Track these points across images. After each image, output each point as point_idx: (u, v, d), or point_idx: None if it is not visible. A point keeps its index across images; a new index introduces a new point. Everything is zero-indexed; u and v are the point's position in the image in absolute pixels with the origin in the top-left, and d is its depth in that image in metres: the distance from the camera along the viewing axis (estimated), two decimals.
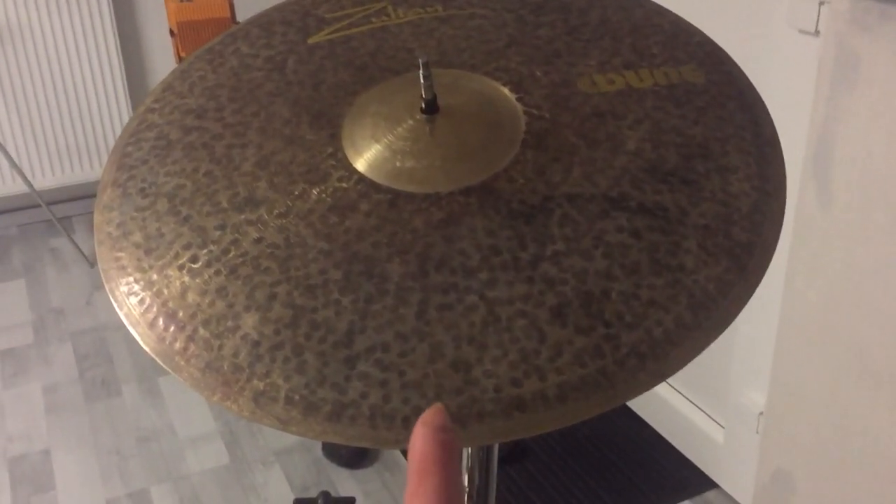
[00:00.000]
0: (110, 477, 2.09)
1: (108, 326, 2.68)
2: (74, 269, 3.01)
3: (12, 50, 2.97)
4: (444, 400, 0.47)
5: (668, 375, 0.48)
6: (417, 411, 0.47)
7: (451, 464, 0.40)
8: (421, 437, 0.41)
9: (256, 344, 0.50)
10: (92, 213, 3.35)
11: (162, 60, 3.31)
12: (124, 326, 2.64)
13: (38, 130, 3.10)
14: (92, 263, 3.02)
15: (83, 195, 3.35)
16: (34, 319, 2.73)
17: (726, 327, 0.50)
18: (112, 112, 3.17)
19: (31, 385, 2.43)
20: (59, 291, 2.88)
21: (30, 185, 2.88)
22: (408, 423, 0.47)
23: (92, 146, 3.18)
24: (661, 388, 2.14)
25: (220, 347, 0.50)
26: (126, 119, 3.22)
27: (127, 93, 3.17)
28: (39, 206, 3.14)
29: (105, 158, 3.21)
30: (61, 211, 3.28)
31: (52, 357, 2.54)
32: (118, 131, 3.21)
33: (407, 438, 0.47)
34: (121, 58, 3.13)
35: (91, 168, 3.19)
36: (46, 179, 3.14)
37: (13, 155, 3.05)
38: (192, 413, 2.30)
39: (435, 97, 0.58)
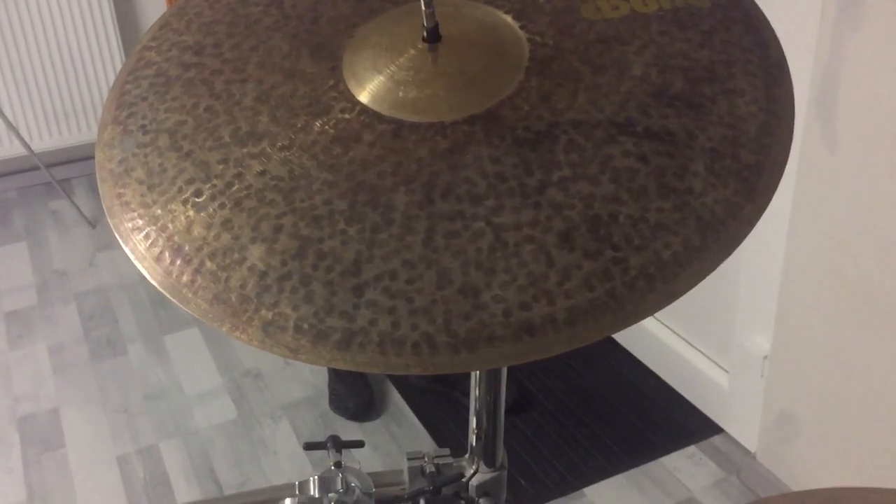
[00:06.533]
0: (119, 434, 2.11)
1: (112, 287, 2.68)
2: (75, 230, 3.01)
3: (4, 11, 2.94)
4: (453, 325, 0.47)
5: (678, 296, 0.48)
6: (426, 337, 0.47)
7: None
8: None
9: (263, 275, 0.50)
10: (91, 174, 3.34)
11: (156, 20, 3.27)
12: (128, 286, 2.65)
13: (33, 92, 3.07)
14: (93, 225, 3.01)
15: (81, 157, 3.33)
16: (37, 281, 2.73)
17: (735, 248, 0.50)
18: (108, 73, 3.14)
19: (37, 346, 2.44)
20: (61, 253, 2.88)
21: (28, 147, 2.86)
22: (417, 349, 0.47)
23: (88, 107, 3.16)
24: (665, 335, 2.15)
25: (228, 279, 0.50)
26: None
27: (122, 53, 3.13)
28: (38, 168, 3.12)
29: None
30: (60, 173, 3.26)
31: (57, 318, 2.55)
32: None
33: (416, 363, 0.47)
34: (114, 17, 3.10)
35: (88, 129, 3.17)
36: (44, 141, 3.12)
37: (10, 118, 3.03)
38: (198, 370, 2.31)
39: (437, 26, 0.57)
